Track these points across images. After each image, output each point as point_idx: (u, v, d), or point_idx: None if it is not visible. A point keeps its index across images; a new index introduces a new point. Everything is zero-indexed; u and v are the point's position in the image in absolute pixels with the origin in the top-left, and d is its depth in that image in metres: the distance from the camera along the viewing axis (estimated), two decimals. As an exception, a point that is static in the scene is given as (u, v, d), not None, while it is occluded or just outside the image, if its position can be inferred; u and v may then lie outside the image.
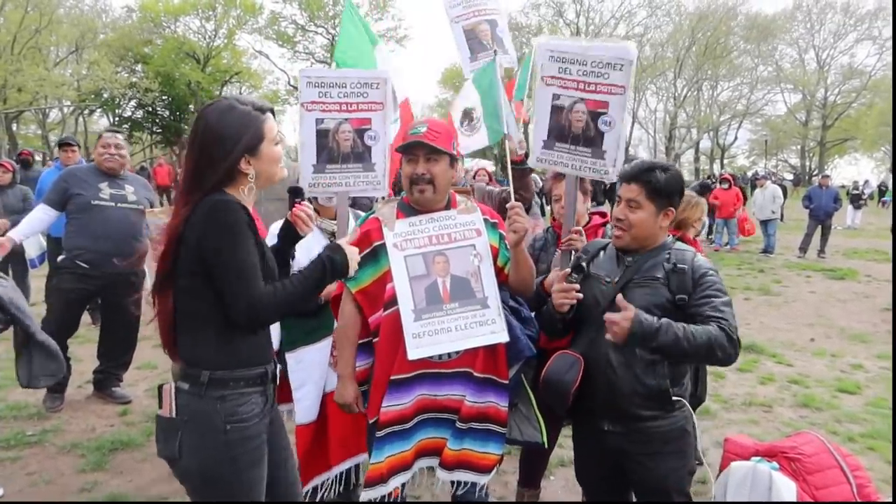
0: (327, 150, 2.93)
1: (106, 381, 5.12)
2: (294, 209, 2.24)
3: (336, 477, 3.06)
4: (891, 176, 48.69)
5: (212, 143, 1.92)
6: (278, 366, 2.19)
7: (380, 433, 2.47)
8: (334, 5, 43.20)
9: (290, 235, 2.26)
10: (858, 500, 2.77)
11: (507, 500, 3.66)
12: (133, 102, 41.75)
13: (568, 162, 2.93)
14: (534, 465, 3.51)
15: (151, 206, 4.88)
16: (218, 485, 1.94)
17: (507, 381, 2.56)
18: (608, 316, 2.20)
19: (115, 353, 5.08)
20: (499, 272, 2.58)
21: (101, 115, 44.16)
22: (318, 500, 3.04)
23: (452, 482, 2.58)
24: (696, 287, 2.33)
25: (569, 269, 2.44)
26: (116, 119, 42.27)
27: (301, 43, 45.22)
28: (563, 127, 2.90)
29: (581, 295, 2.41)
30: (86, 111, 41.17)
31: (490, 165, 4.64)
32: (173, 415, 1.93)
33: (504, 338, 2.50)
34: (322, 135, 2.92)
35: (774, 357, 6.71)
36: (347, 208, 3.08)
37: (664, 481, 2.42)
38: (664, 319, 2.19)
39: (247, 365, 1.97)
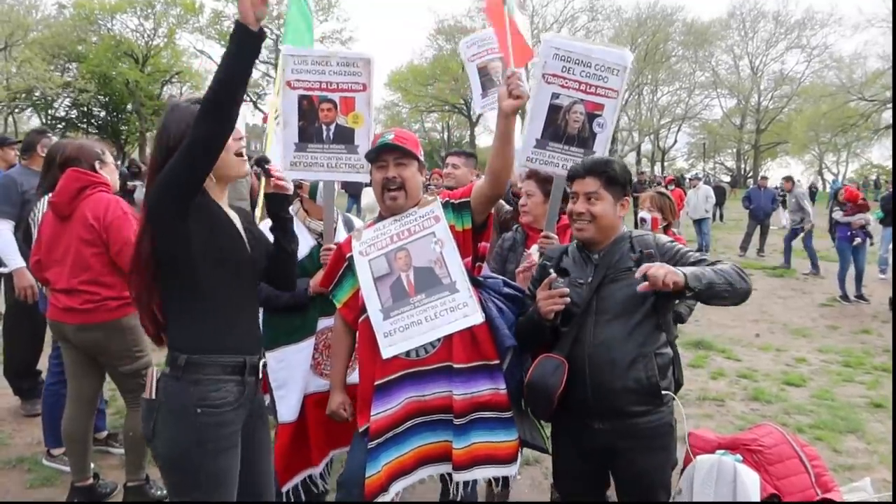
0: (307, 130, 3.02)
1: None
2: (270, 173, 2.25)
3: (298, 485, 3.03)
4: (819, 178, 51.11)
5: (158, 136, 2.06)
6: (263, 361, 2.20)
7: (372, 443, 2.38)
8: (278, 5, 42.54)
9: (280, 223, 2.31)
10: (819, 492, 2.90)
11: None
12: (67, 101, 40.26)
13: (559, 162, 2.95)
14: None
15: None
16: (183, 467, 2.00)
17: (497, 362, 2.45)
18: (651, 272, 2.13)
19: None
20: (458, 236, 2.52)
21: (32, 114, 42.41)
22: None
23: (466, 482, 2.45)
24: (668, 261, 2.31)
25: (553, 276, 2.39)
26: (49, 119, 40.64)
27: (244, 43, 44.45)
28: (559, 127, 2.91)
29: (569, 299, 2.33)
30: (16, 110, 39.43)
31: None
32: (152, 396, 2.03)
33: (478, 319, 2.43)
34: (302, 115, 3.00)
35: (724, 352, 6.93)
36: (333, 201, 3.07)
37: (649, 476, 2.44)
38: (687, 268, 2.21)
39: (224, 352, 2.03)
